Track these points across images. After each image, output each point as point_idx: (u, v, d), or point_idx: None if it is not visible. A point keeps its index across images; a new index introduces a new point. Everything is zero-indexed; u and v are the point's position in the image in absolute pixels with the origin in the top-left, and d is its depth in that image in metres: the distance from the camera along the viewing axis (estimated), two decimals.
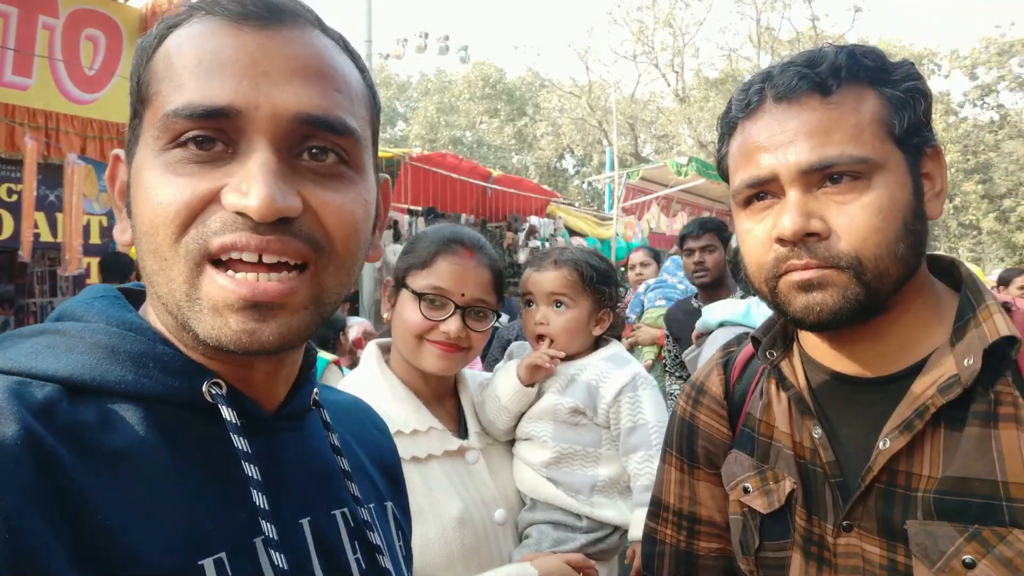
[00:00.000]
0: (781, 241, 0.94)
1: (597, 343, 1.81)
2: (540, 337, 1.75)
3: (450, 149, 25.48)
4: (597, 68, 40.90)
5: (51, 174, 6.11)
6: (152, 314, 0.72)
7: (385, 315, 1.63)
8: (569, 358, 1.75)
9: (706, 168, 14.74)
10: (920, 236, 0.95)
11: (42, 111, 6.28)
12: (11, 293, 7.12)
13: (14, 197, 6.19)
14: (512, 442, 1.75)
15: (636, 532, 1.62)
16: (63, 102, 6.46)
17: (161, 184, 0.64)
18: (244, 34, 0.65)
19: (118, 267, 5.88)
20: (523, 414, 1.71)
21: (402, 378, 1.58)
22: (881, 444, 0.94)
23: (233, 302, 0.64)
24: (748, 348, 1.21)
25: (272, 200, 0.62)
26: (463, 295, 1.52)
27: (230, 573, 0.64)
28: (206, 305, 0.64)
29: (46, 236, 6.41)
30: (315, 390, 0.83)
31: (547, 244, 12.43)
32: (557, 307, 1.74)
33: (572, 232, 13.23)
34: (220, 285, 0.64)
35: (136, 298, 0.77)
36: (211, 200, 0.64)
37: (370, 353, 1.63)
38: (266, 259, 0.64)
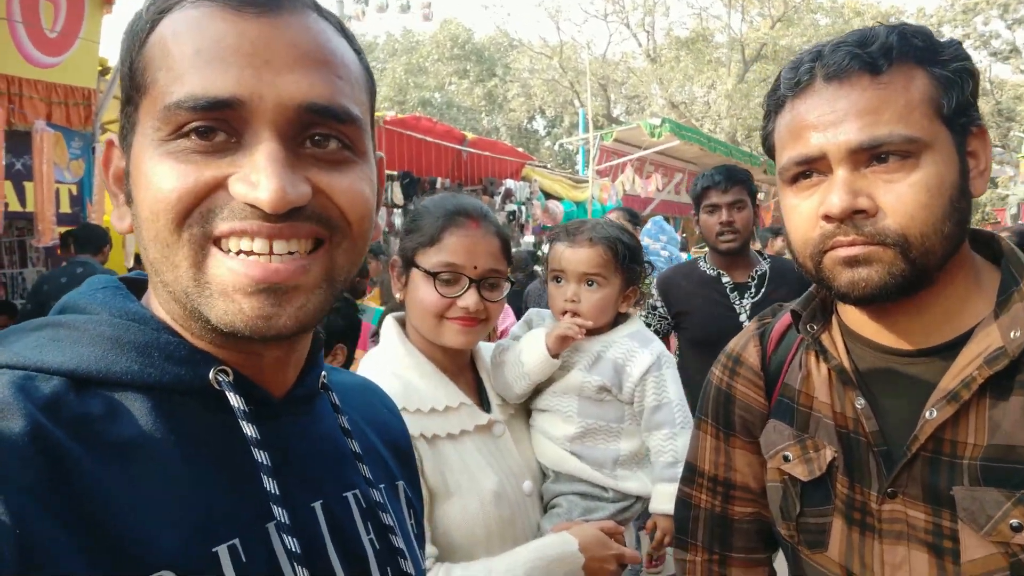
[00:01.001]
0: (828, 218, 0.96)
1: (617, 318, 1.81)
2: (568, 313, 1.74)
3: (420, 111, 25.10)
4: (568, 28, 40.46)
5: (17, 141, 5.89)
6: (156, 303, 0.71)
7: (397, 295, 1.61)
8: (592, 332, 1.75)
9: (680, 129, 14.73)
10: (965, 213, 0.97)
11: (3, 75, 6.03)
12: None
13: None
14: (528, 413, 1.76)
15: (658, 505, 1.67)
16: (25, 66, 6.20)
17: (164, 172, 0.63)
18: (243, 21, 0.64)
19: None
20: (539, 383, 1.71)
21: (426, 354, 1.57)
22: (927, 414, 0.97)
23: (245, 285, 0.63)
24: (784, 320, 1.23)
25: (284, 192, 0.62)
26: (475, 268, 1.51)
27: (244, 559, 0.65)
28: (216, 289, 0.64)
29: (15, 206, 6.20)
30: (323, 373, 0.83)
31: (523, 208, 12.38)
32: (589, 285, 1.73)
33: (548, 195, 13.20)
34: (229, 267, 0.63)
35: (137, 288, 0.76)
36: (216, 187, 0.63)
37: (390, 330, 1.61)
38: (276, 248, 0.64)
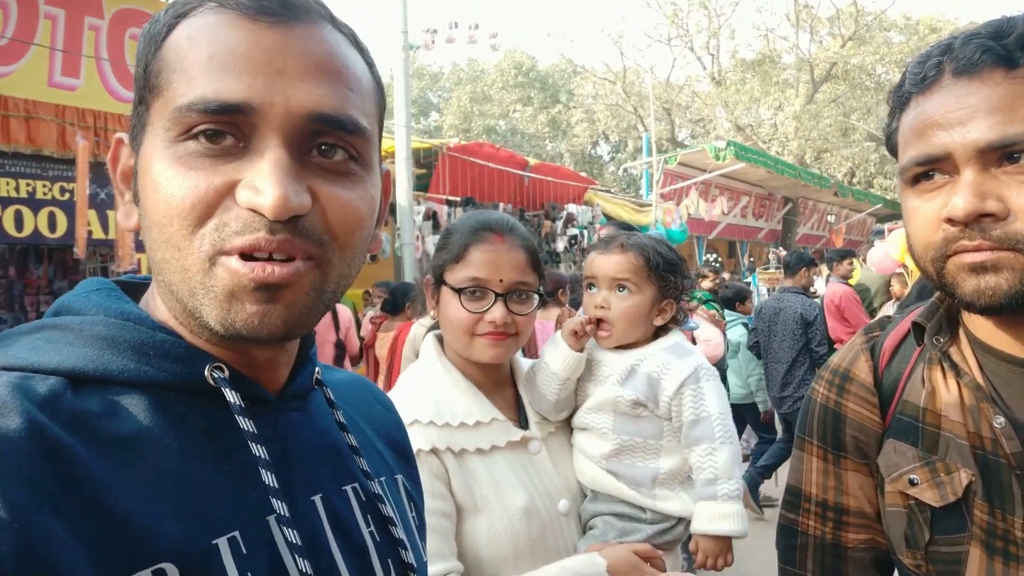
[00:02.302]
0: (951, 221, 0.90)
1: (657, 332, 1.77)
2: (598, 322, 1.72)
3: (484, 138, 25.46)
4: (631, 53, 40.39)
5: (102, 172, 6.26)
6: (156, 303, 0.73)
7: (431, 312, 1.63)
8: (628, 346, 1.73)
9: (744, 152, 14.52)
10: None
11: (91, 111, 6.44)
12: (65, 289, 7.33)
13: (67, 196, 6.37)
14: (571, 431, 1.75)
15: (699, 525, 1.61)
16: (110, 101, 6.62)
17: (173, 177, 0.65)
18: (259, 29, 0.66)
19: None
20: (574, 393, 1.69)
21: (461, 370, 1.58)
22: None
23: (245, 284, 0.65)
24: (897, 331, 1.17)
25: (287, 199, 0.63)
26: (501, 281, 1.51)
27: (245, 551, 0.66)
28: (221, 292, 0.65)
29: (98, 233, 6.59)
30: (317, 369, 0.84)
31: (585, 232, 12.37)
32: (620, 291, 1.71)
33: (610, 219, 13.17)
34: (233, 269, 0.65)
35: (132, 290, 0.78)
36: (225, 194, 0.65)
37: (429, 346, 1.64)
38: (276, 256, 0.66)
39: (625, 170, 30.09)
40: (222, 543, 0.65)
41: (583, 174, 15.19)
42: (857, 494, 1.16)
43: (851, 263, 7.62)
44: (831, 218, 21.53)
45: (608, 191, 15.77)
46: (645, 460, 1.66)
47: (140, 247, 6.44)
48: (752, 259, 19.09)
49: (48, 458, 0.58)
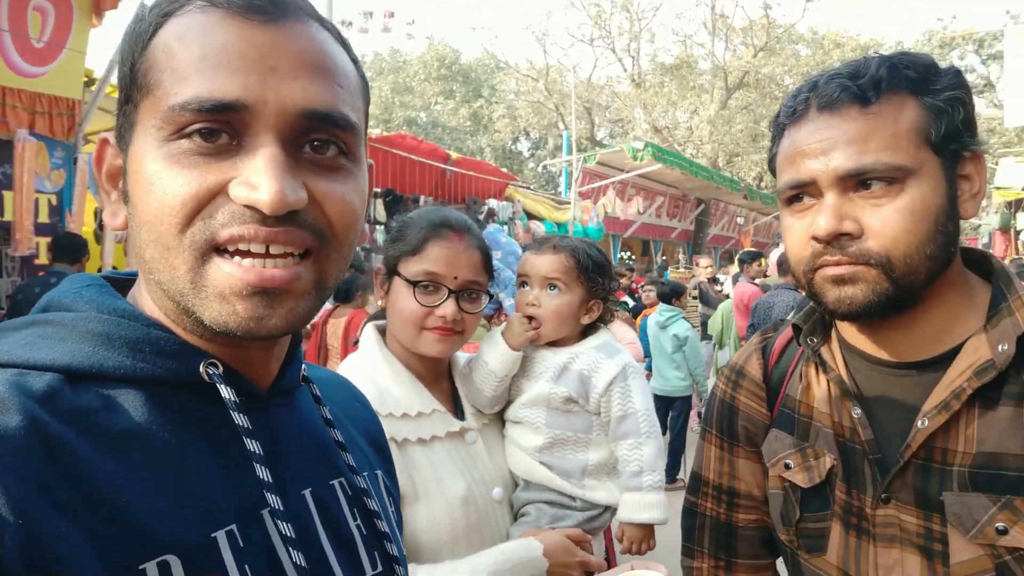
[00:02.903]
0: (816, 239, 1.02)
1: (587, 331, 1.85)
2: (530, 318, 1.79)
3: (405, 130, 25.19)
4: (554, 51, 40.87)
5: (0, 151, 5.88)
6: (146, 299, 0.73)
7: (380, 302, 1.65)
8: (559, 344, 1.80)
9: (661, 153, 14.91)
10: (952, 236, 1.02)
11: None
12: None
13: None
14: (503, 423, 1.80)
15: (625, 514, 1.71)
16: (10, 75, 6.19)
17: (166, 175, 0.65)
18: (250, 28, 0.66)
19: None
20: (508, 388, 1.75)
21: (402, 361, 1.61)
22: (920, 423, 1.02)
23: (240, 288, 0.65)
24: (785, 334, 1.29)
25: (283, 195, 0.64)
26: (455, 278, 1.55)
27: (241, 544, 0.67)
28: (212, 293, 0.66)
29: None
30: (303, 366, 0.86)
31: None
32: (551, 290, 1.78)
33: (530, 216, 13.29)
34: (227, 272, 0.65)
35: (117, 286, 0.77)
36: (218, 192, 0.65)
37: (370, 337, 1.65)
38: (273, 250, 0.66)
39: (544, 167, 30.42)
40: (221, 536, 0.66)
41: (504, 170, 15.28)
42: (747, 479, 1.29)
43: (761, 264, 8.02)
44: (740, 220, 22.40)
45: (528, 188, 15.90)
46: (575, 452, 1.74)
47: (40, 231, 6.08)
48: (664, 258, 19.66)
49: (49, 454, 0.58)
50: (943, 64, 1.05)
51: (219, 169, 0.65)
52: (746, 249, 9.93)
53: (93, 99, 6.44)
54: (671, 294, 7.30)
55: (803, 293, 1.15)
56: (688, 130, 29.24)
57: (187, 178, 0.65)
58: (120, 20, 6.66)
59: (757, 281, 8.00)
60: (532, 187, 17.49)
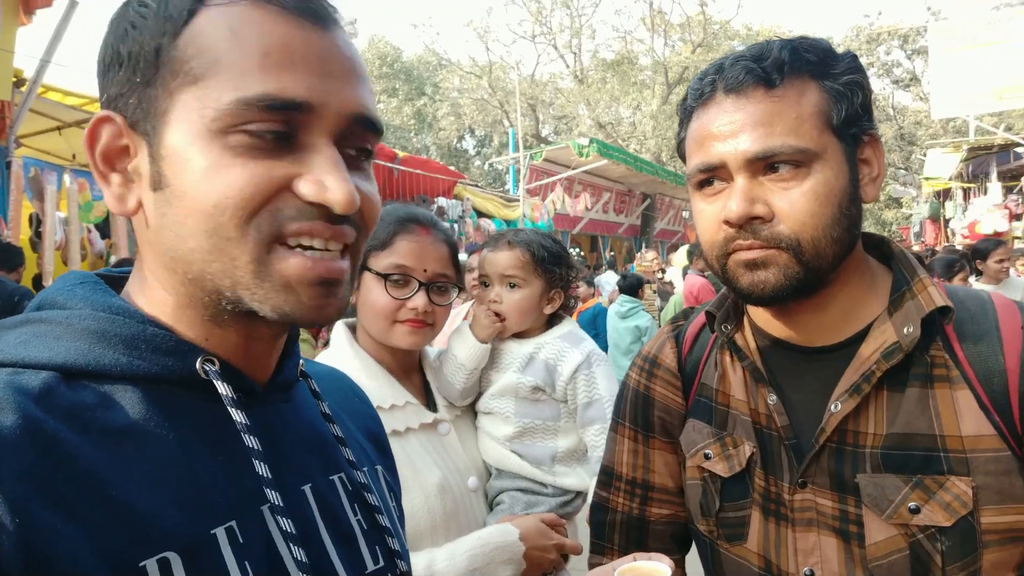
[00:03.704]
0: (728, 223, 1.02)
1: (551, 320, 1.89)
2: (497, 317, 1.82)
3: None
4: (497, 48, 40.97)
5: None
6: (142, 296, 0.73)
7: (351, 299, 1.66)
8: (524, 335, 1.84)
9: (607, 149, 15.10)
10: (855, 219, 1.03)
11: None
12: None
13: None
14: (475, 414, 1.83)
15: None
16: None
17: (230, 166, 0.65)
18: (306, 31, 0.68)
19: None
20: (478, 380, 1.78)
21: (373, 356, 1.62)
22: (832, 407, 1.03)
23: (311, 279, 0.68)
24: (697, 321, 1.28)
25: (353, 197, 0.67)
26: (425, 271, 1.58)
27: (241, 540, 0.67)
28: (278, 282, 0.67)
29: None
30: (300, 361, 0.86)
31: (455, 226, 12.44)
32: (511, 287, 1.81)
33: (480, 213, 13.31)
34: (295, 263, 0.68)
35: (113, 283, 0.77)
36: (284, 188, 0.67)
37: (339, 334, 1.67)
38: (331, 246, 0.70)
39: (491, 165, 30.49)
40: (220, 533, 0.66)
41: (452, 168, 15.27)
42: (662, 471, 1.27)
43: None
44: (686, 214, 22.83)
45: (477, 185, 15.93)
46: (545, 440, 1.78)
47: None
48: (612, 253, 19.90)
49: (46, 452, 0.58)
50: (840, 51, 1.07)
51: (282, 165, 0.67)
52: (694, 242, 10.17)
53: (24, 100, 6.21)
54: (637, 286, 7.43)
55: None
56: (631, 125, 29.67)
57: (253, 171, 0.65)
58: (50, 19, 6.42)
59: (707, 273, 8.20)
60: (481, 185, 17.50)
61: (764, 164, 1.00)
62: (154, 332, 0.69)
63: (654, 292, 9.32)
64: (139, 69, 0.68)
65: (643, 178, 17.65)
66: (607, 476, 1.32)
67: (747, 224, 1.01)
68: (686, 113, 1.12)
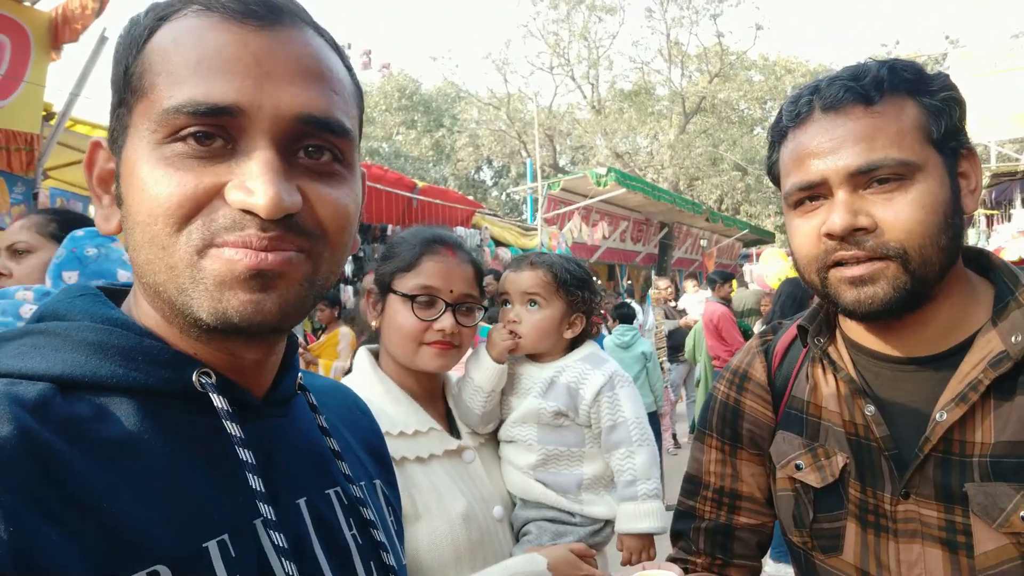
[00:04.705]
0: (830, 236, 1.04)
1: (573, 344, 1.86)
2: (512, 335, 1.79)
3: (368, 160, 25.19)
4: (515, 80, 41.40)
5: None
6: (140, 309, 0.73)
7: (373, 323, 1.65)
8: (544, 359, 1.80)
9: (624, 178, 15.13)
10: (959, 229, 1.05)
11: None
12: None
13: None
14: (498, 443, 1.79)
15: (622, 525, 1.70)
16: None
17: (161, 177, 0.65)
18: (246, 32, 0.67)
19: None
20: (499, 405, 1.75)
21: (397, 381, 1.60)
22: (938, 416, 1.03)
23: (240, 272, 0.65)
24: (787, 335, 1.30)
25: (279, 199, 0.65)
26: (451, 292, 1.57)
27: (233, 554, 0.67)
28: (211, 282, 0.65)
29: None
30: (299, 375, 0.85)
31: (473, 255, 12.44)
32: (531, 306, 1.78)
33: (498, 243, 13.33)
34: (225, 258, 0.65)
35: (112, 295, 0.77)
36: (214, 195, 0.66)
37: (363, 359, 1.65)
38: (271, 256, 0.67)
39: (508, 194, 30.62)
40: (212, 546, 0.65)
41: (470, 197, 15.34)
42: (750, 482, 1.30)
43: (730, 285, 8.15)
44: (704, 243, 22.75)
45: (495, 215, 15.98)
46: (570, 467, 1.73)
47: None
48: (630, 281, 19.83)
49: (39, 463, 0.57)
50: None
51: (214, 172, 0.66)
52: (716, 270, 10.13)
53: (53, 133, 6.33)
54: (631, 315, 7.39)
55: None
56: (649, 155, 29.73)
57: (182, 180, 0.65)
58: (79, 54, 6.57)
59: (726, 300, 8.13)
60: (498, 214, 17.58)
61: (866, 179, 1.02)
62: (151, 344, 0.69)
63: (664, 317, 9.35)
64: (116, 92, 0.70)
65: (661, 207, 17.63)
66: (693, 485, 1.36)
67: (850, 236, 1.02)
68: (779, 135, 1.13)
